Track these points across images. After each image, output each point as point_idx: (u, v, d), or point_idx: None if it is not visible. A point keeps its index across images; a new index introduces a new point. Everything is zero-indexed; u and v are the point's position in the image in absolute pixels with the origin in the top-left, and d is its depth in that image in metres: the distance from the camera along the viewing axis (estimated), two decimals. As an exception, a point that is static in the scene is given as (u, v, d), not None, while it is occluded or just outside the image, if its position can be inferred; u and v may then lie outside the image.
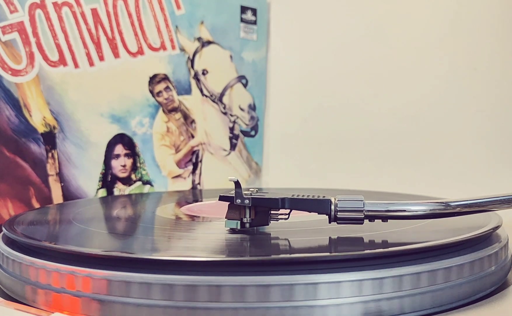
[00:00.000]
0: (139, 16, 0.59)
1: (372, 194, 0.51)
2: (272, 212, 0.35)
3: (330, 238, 0.33)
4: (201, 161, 0.65)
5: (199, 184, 0.65)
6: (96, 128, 0.56)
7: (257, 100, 0.71)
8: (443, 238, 0.31)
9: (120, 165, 0.58)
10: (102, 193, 0.57)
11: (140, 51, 0.59)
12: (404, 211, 0.33)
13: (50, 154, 0.53)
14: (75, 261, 0.29)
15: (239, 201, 0.34)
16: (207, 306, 0.26)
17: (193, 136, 0.64)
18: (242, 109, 0.69)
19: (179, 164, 0.63)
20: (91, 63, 0.55)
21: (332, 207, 0.33)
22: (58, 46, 0.53)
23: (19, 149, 0.51)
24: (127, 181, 0.59)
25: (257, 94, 0.71)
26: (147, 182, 0.60)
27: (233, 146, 0.69)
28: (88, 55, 0.55)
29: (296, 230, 0.36)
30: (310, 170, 0.72)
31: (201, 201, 0.54)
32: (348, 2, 0.71)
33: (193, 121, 0.64)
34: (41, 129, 0.52)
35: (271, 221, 0.35)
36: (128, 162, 0.59)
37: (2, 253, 0.34)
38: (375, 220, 0.33)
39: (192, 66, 0.64)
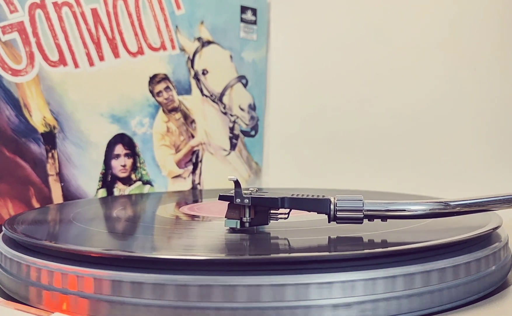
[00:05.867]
0: (139, 16, 0.59)
1: (372, 194, 0.51)
2: (271, 211, 0.35)
3: (329, 237, 0.33)
4: (201, 161, 0.65)
5: (199, 184, 0.65)
6: (96, 128, 0.56)
7: (257, 100, 0.71)
8: (443, 238, 0.31)
9: (120, 165, 0.58)
10: (102, 193, 0.57)
11: (140, 51, 0.59)
12: (404, 210, 0.33)
13: (50, 154, 0.53)
14: (76, 261, 0.29)
15: (239, 200, 0.34)
16: (207, 305, 0.26)
17: (193, 136, 0.64)
18: (242, 109, 0.69)
19: (179, 164, 0.63)
20: (91, 63, 0.55)
21: (332, 207, 0.33)
22: (58, 46, 0.53)
23: (19, 149, 0.51)
24: (127, 181, 0.59)
25: (257, 94, 0.71)
26: (147, 182, 0.60)
27: (233, 146, 0.69)
28: (88, 55, 0.55)
29: (296, 229, 0.36)
30: (310, 170, 0.72)
31: (201, 201, 0.54)
32: (348, 2, 0.71)
33: (193, 121, 0.64)
34: (41, 129, 0.52)
35: (271, 221, 0.35)
36: (128, 161, 0.59)
37: (2, 253, 0.34)
38: (375, 220, 0.33)
39: (192, 66, 0.64)
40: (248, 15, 0.70)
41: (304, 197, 0.34)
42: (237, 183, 0.33)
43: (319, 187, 0.61)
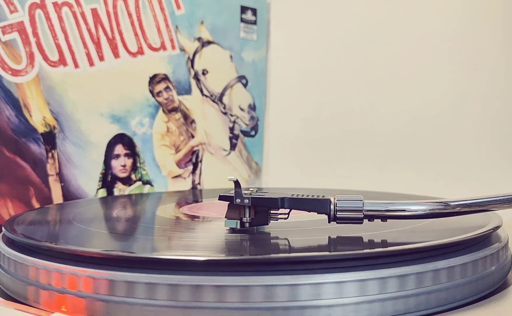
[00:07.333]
0: (139, 16, 0.59)
1: (372, 194, 0.51)
2: (271, 211, 0.35)
3: (329, 237, 0.33)
4: (201, 161, 0.65)
5: (199, 184, 0.65)
6: (96, 128, 0.56)
7: (257, 100, 0.71)
8: (443, 238, 0.31)
9: (120, 165, 0.58)
10: (102, 193, 0.57)
11: (140, 51, 0.59)
12: (404, 210, 0.33)
13: (50, 154, 0.53)
14: (76, 261, 0.29)
15: (239, 200, 0.34)
16: (207, 305, 0.26)
17: (193, 136, 0.64)
18: (242, 109, 0.69)
19: (179, 164, 0.63)
20: (91, 63, 0.55)
21: (332, 207, 0.33)
22: (58, 46, 0.53)
23: (19, 149, 0.51)
24: (127, 181, 0.59)
25: (257, 94, 0.71)
26: (147, 182, 0.60)
27: (233, 146, 0.69)
28: (88, 55, 0.55)
29: (296, 229, 0.36)
30: (310, 170, 0.72)
31: (201, 201, 0.54)
32: (348, 2, 0.71)
33: (193, 121, 0.64)
34: (41, 129, 0.52)
35: (271, 221, 0.35)
36: (128, 162, 0.59)
37: (2, 253, 0.34)
38: (375, 220, 0.33)
39: (192, 66, 0.64)
40: (248, 15, 0.70)
41: (304, 197, 0.34)
42: (237, 183, 0.33)
43: (319, 187, 0.61)
